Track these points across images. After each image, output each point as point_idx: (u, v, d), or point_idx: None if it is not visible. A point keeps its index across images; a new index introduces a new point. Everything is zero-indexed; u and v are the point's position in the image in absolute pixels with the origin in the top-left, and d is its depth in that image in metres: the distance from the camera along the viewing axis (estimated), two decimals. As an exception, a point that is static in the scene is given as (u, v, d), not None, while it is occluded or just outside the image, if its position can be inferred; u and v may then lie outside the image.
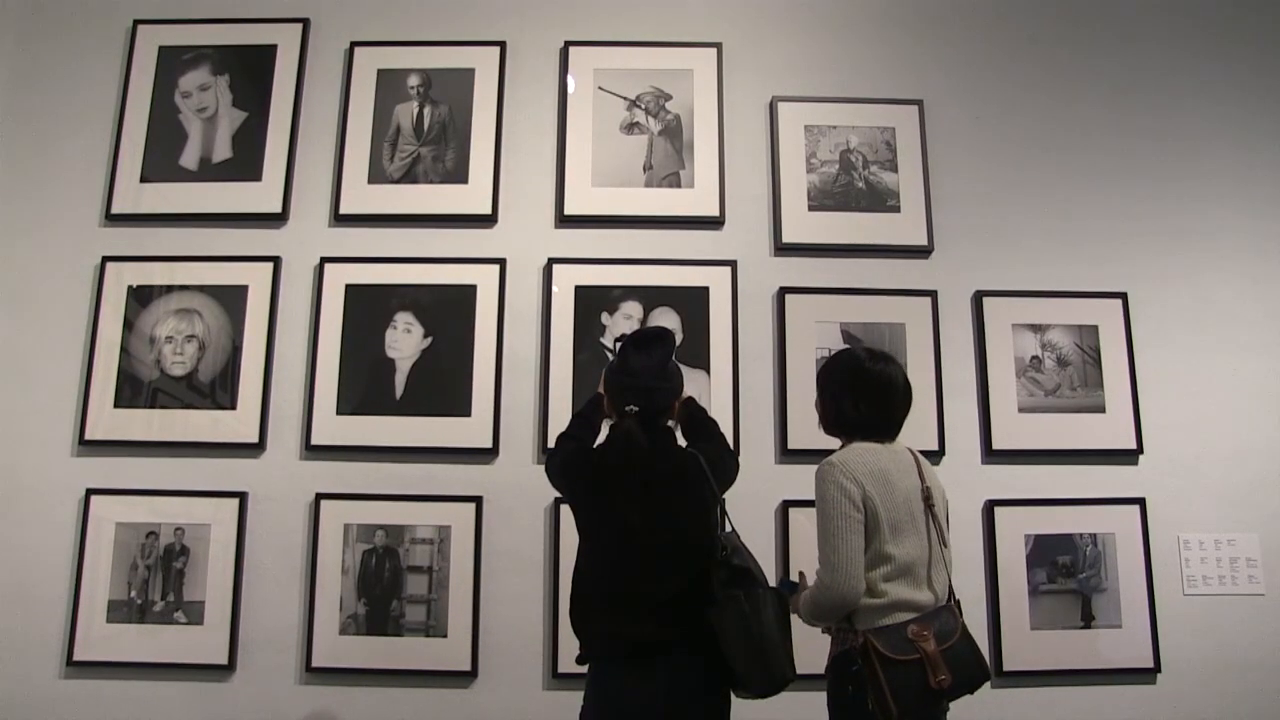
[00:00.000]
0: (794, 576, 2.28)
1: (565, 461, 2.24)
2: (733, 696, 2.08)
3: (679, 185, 3.09)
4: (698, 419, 2.30)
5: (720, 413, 2.89)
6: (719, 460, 2.20)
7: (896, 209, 3.11)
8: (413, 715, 2.76)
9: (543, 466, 2.86)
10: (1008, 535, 2.89)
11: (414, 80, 3.17)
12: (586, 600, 2.10)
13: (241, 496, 2.86)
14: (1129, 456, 2.98)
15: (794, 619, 2.13)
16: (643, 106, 3.16)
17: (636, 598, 2.03)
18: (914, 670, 1.93)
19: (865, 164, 3.14)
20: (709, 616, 1.99)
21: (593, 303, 2.99)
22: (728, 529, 2.16)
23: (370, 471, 2.89)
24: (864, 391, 2.14)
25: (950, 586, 2.14)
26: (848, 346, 2.61)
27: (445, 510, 2.85)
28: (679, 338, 2.96)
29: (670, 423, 2.28)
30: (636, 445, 2.11)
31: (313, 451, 2.90)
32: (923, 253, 3.09)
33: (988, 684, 2.06)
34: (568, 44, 3.20)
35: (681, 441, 2.27)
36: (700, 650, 2.00)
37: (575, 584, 2.13)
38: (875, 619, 2.00)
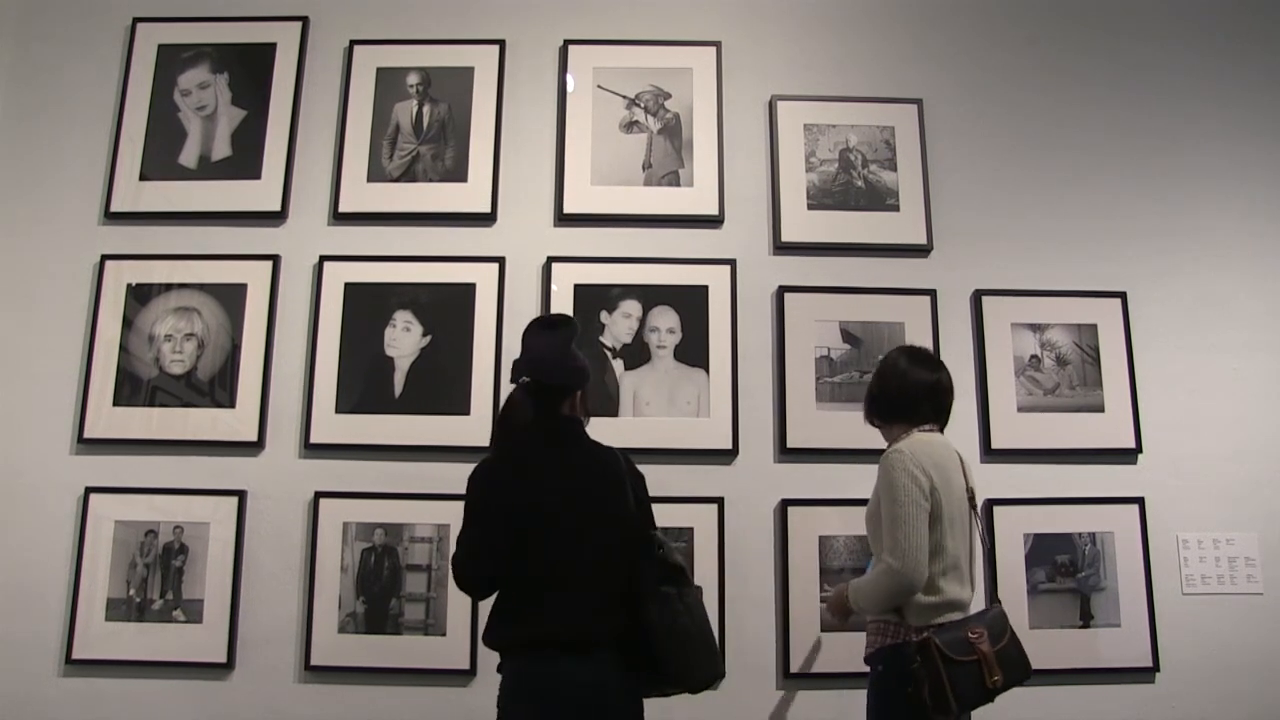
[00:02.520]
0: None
1: (486, 466, 2.13)
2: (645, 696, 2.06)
3: (678, 184, 3.09)
4: None
5: (719, 412, 2.89)
6: (639, 479, 2.16)
7: (896, 208, 3.10)
8: (411, 713, 2.76)
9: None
10: (1007, 534, 2.88)
11: (413, 79, 3.17)
12: (512, 599, 2.02)
13: (240, 495, 2.86)
14: (1128, 456, 2.98)
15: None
16: (642, 105, 3.16)
17: (567, 594, 1.98)
18: (972, 670, 2.03)
19: (864, 163, 3.14)
20: (643, 614, 1.97)
21: (592, 301, 2.99)
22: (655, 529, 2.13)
23: (369, 470, 2.89)
24: (899, 387, 2.29)
25: (994, 586, 2.24)
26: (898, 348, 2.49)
27: (444, 509, 2.84)
28: (678, 337, 2.96)
29: (574, 413, 2.18)
30: (519, 412, 2.07)
31: (312, 450, 2.90)
32: (922, 251, 3.08)
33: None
34: (567, 43, 3.20)
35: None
36: (626, 648, 1.98)
37: (503, 588, 2.05)
38: (929, 616, 2.09)
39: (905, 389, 2.27)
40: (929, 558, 2.10)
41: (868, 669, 2.21)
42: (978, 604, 2.24)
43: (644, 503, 2.15)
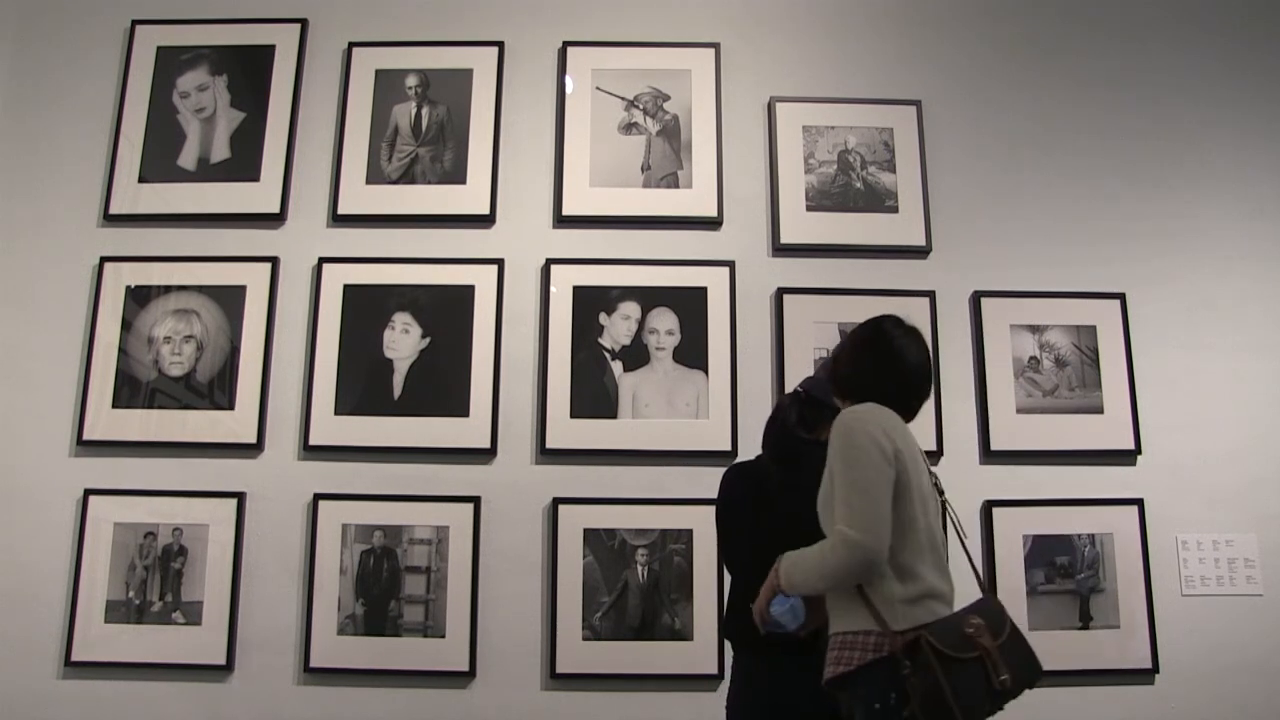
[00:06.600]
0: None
1: (734, 467, 2.35)
2: None
3: (677, 185, 3.09)
4: None
5: (718, 413, 2.89)
6: None
7: (894, 209, 3.10)
8: (411, 715, 2.76)
9: (541, 466, 2.90)
10: (1006, 536, 2.88)
11: (412, 80, 3.17)
12: (742, 594, 2.19)
13: (239, 497, 2.86)
14: (1127, 457, 2.98)
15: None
16: (641, 107, 3.16)
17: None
18: (974, 670, 1.72)
19: (863, 164, 3.14)
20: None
21: (591, 303, 2.99)
22: None
23: (368, 472, 2.89)
24: (884, 360, 1.97)
25: (981, 578, 2.01)
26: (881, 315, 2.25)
27: (443, 510, 2.85)
28: (677, 339, 2.96)
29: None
30: (783, 414, 2.22)
31: (311, 452, 2.90)
32: (921, 253, 3.09)
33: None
34: (566, 44, 3.20)
35: None
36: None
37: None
38: (914, 614, 1.77)
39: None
40: (899, 535, 1.78)
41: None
42: (963, 600, 1.90)
43: None
